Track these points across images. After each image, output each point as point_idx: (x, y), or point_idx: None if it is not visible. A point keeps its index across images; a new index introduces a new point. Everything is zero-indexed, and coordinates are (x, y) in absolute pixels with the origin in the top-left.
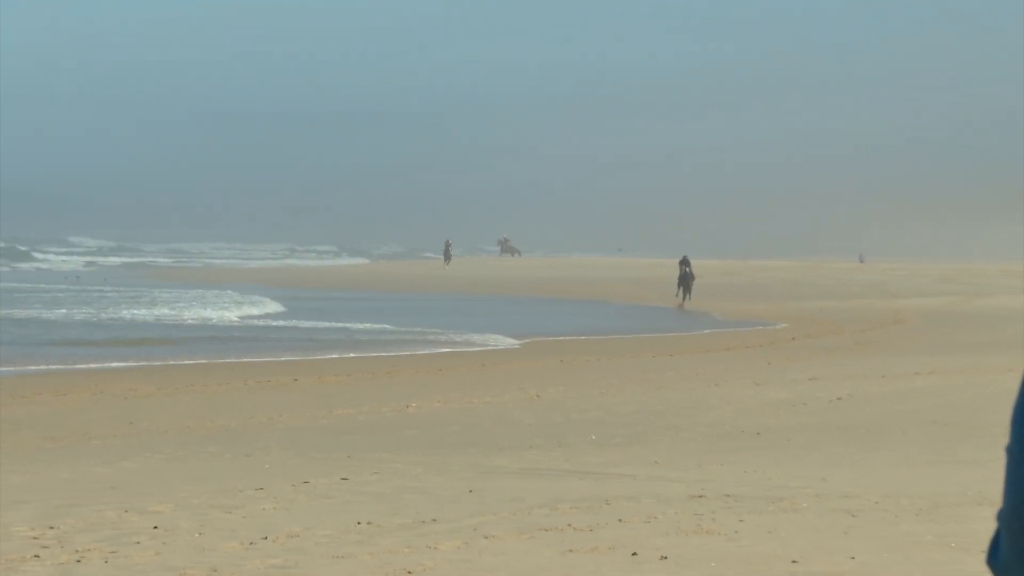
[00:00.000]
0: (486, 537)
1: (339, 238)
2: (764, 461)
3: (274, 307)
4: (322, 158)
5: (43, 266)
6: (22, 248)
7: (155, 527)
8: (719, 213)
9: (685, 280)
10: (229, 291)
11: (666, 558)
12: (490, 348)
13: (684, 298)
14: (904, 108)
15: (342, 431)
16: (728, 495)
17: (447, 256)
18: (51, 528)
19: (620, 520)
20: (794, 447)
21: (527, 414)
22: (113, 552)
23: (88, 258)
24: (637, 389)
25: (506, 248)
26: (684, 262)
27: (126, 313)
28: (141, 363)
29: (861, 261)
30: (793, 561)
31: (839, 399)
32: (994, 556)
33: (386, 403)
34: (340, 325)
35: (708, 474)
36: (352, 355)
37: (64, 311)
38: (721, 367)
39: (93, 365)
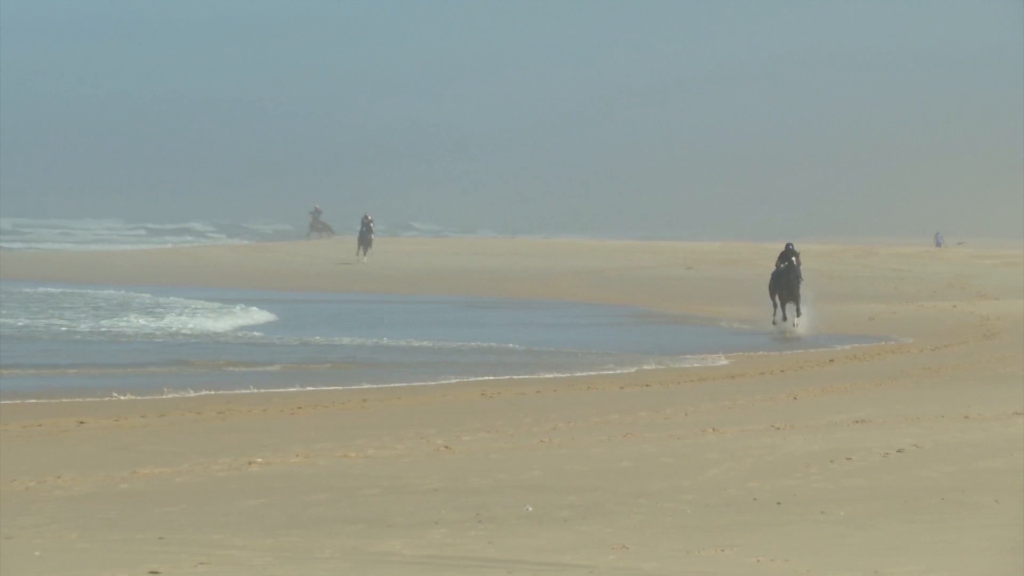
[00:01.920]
0: None
1: (199, 211)
2: (787, 545)
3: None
4: (163, 86)
5: None
6: None
7: None
8: (718, 178)
9: (784, 283)
10: None
11: None
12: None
13: (785, 313)
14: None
15: (151, 500)
16: None
17: (366, 240)
18: None
19: None
20: (832, 524)
21: (432, 474)
22: None
23: None
24: (596, 436)
25: (316, 225)
26: (788, 253)
27: None
28: None
29: (939, 244)
30: None
31: (899, 451)
32: None
33: (218, 457)
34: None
35: (701, 564)
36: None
37: None
38: (722, 403)
39: None
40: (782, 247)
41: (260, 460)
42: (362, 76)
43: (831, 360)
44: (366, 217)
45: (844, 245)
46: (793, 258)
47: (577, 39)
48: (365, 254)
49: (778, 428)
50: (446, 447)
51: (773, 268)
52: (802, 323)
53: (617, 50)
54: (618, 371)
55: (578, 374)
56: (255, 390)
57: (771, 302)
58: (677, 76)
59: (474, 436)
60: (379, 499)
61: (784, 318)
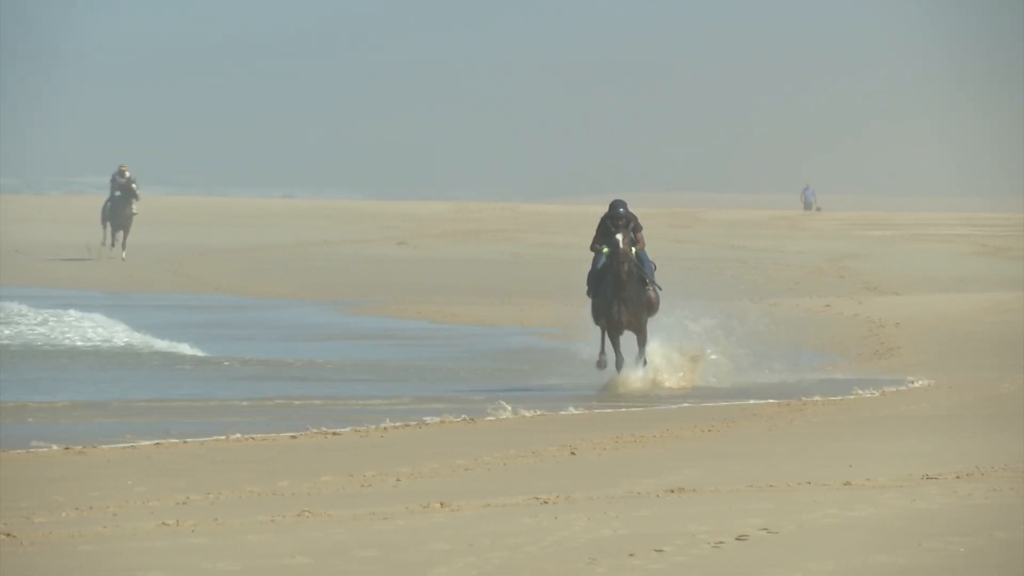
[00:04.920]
0: None
1: None
2: None
3: None
4: None
5: None
6: None
7: None
8: (452, 112)
9: (613, 292)
10: None
11: None
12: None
13: (620, 352)
14: None
15: None
16: None
17: (121, 216)
18: None
19: None
20: None
21: None
22: None
23: None
24: (253, 515)
25: None
26: (614, 219)
27: None
28: None
29: (809, 206)
30: None
31: (740, 538)
32: None
33: None
34: None
35: None
36: None
37: None
38: (455, 462)
39: None
40: (564, 209)
41: None
42: None
43: (600, 409)
44: (122, 171)
45: (652, 208)
46: (619, 236)
47: None
48: (124, 243)
49: (545, 501)
50: (7, 535)
51: (590, 252)
52: (657, 370)
53: None
54: (280, 416)
55: (221, 421)
56: None
57: (597, 329)
58: None
59: (52, 516)
60: None
61: (620, 362)
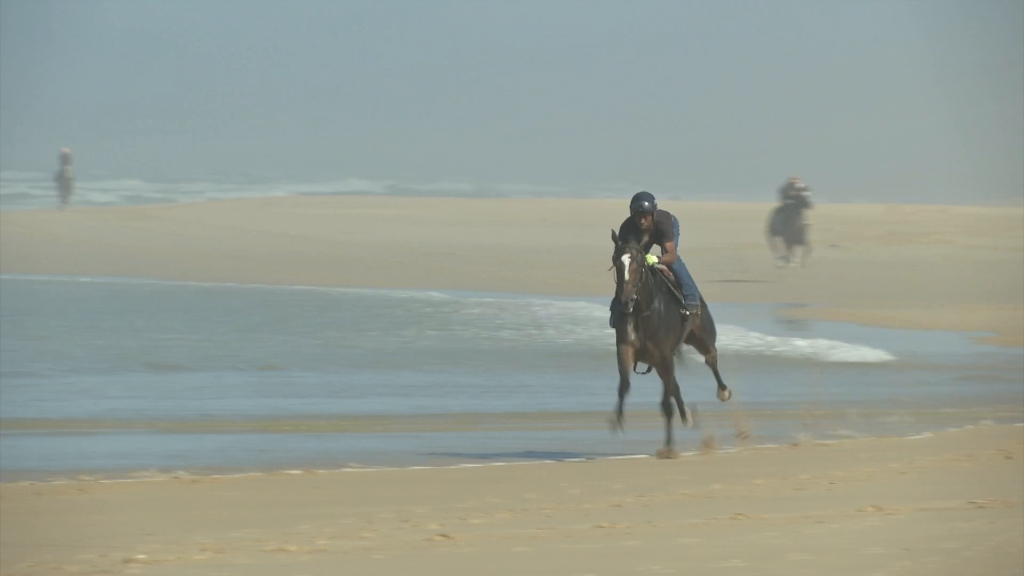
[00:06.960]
0: None
1: None
2: None
3: None
4: None
5: None
6: None
7: None
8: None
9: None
10: None
11: None
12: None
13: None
14: None
15: None
16: None
17: (795, 228)
18: None
19: None
20: None
21: None
22: None
23: None
24: (686, 518)
25: (64, 179)
26: (636, 216)
27: None
28: None
29: None
30: None
31: None
32: None
33: (73, 552)
34: None
35: None
36: None
37: None
38: (888, 465)
39: None
40: (996, 211)
41: (143, 556)
42: None
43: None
44: (792, 183)
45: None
46: (625, 258)
47: None
48: (803, 253)
49: (982, 506)
50: (444, 535)
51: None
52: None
53: None
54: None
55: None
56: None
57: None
58: None
59: (488, 518)
60: None
61: (684, 415)
